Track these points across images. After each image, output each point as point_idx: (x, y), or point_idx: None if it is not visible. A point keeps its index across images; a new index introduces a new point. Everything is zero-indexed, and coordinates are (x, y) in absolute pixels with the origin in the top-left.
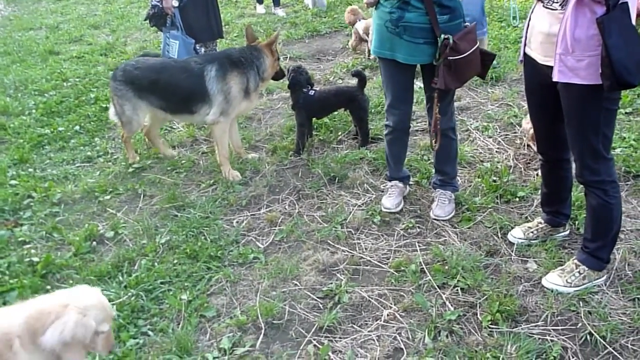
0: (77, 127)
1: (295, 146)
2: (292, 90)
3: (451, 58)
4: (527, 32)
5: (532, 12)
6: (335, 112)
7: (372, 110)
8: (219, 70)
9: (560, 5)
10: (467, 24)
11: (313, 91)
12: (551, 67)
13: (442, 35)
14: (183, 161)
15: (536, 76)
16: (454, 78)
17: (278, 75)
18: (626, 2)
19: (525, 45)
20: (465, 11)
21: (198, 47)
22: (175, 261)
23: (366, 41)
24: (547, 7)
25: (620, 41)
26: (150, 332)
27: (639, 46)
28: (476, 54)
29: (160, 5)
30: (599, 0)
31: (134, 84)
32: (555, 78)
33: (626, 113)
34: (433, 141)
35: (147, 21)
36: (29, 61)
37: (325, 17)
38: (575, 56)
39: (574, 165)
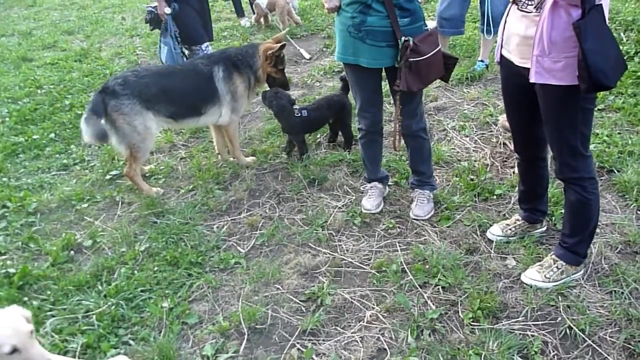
0: (52, 135)
1: (300, 154)
2: (280, 117)
3: (412, 60)
4: (503, 34)
5: (507, 14)
6: None
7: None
8: (225, 70)
9: (535, 7)
10: (427, 27)
11: (305, 111)
12: (528, 69)
13: (403, 38)
14: (161, 167)
15: (513, 77)
16: (416, 79)
17: (281, 84)
18: (601, 4)
19: (501, 47)
20: (492, 7)
21: (187, 52)
22: (156, 268)
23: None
24: (522, 10)
25: (597, 45)
26: (131, 342)
27: (614, 49)
28: (438, 56)
29: (155, 11)
30: (574, 3)
31: (142, 95)
32: (532, 79)
33: (599, 109)
34: (395, 142)
35: (149, 24)
36: (1, 68)
37: (301, 20)
38: (551, 58)
39: (550, 163)
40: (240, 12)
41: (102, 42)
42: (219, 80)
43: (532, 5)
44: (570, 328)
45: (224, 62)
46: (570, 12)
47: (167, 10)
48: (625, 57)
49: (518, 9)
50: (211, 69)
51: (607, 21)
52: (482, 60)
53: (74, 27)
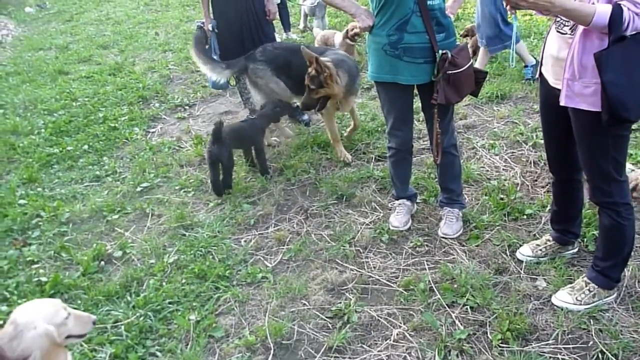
0: (86, 147)
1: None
2: None
3: (450, 72)
4: (543, 52)
5: (547, 33)
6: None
7: (378, 129)
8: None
9: (570, 29)
10: (458, 42)
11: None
12: (560, 90)
13: (440, 51)
14: (191, 180)
15: (549, 97)
16: (454, 92)
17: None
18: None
19: (541, 64)
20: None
21: None
22: (184, 281)
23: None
24: (558, 31)
25: (618, 77)
26: (158, 353)
27: None
28: (471, 70)
29: (203, 26)
30: (604, 31)
31: (272, 62)
32: (562, 102)
33: (632, 130)
34: (435, 156)
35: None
36: (38, 81)
37: None
38: (582, 82)
39: (586, 186)
40: (287, 27)
41: (135, 56)
42: None
43: (568, 26)
44: (602, 352)
45: (332, 53)
46: (603, 37)
47: (210, 27)
48: None
49: (556, 29)
50: (321, 53)
51: None
52: (526, 65)
53: (109, 42)
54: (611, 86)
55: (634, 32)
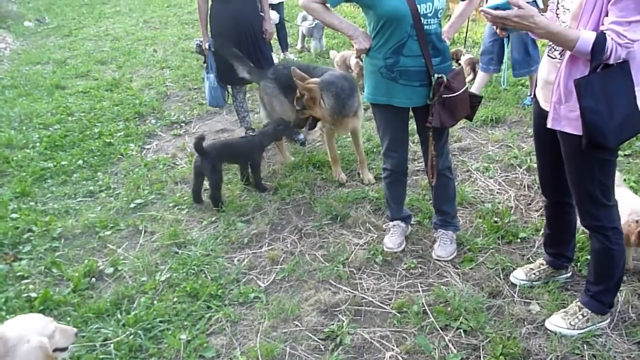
0: (81, 162)
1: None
2: None
3: (445, 96)
4: (537, 75)
5: (542, 57)
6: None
7: (373, 150)
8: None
9: (560, 53)
10: (454, 67)
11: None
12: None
13: (436, 75)
14: (185, 198)
15: (540, 118)
16: (449, 116)
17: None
18: (627, 61)
19: (536, 86)
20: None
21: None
22: (175, 299)
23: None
24: (549, 55)
25: (596, 104)
26: None
27: (627, 110)
28: (466, 94)
29: (201, 44)
30: (587, 58)
31: (280, 81)
32: (549, 125)
33: (625, 155)
34: (430, 178)
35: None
36: (35, 95)
37: (328, 58)
38: (567, 106)
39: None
40: (285, 47)
41: (133, 72)
42: None
43: (557, 51)
44: None
45: (326, 73)
46: (589, 64)
47: (207, 45)
48: None
49: (547, 53)
50: (320, 74)
51: None
52: (530, 94)
53: (107, 58)
54: (588, 112)
55: (618, 61)
